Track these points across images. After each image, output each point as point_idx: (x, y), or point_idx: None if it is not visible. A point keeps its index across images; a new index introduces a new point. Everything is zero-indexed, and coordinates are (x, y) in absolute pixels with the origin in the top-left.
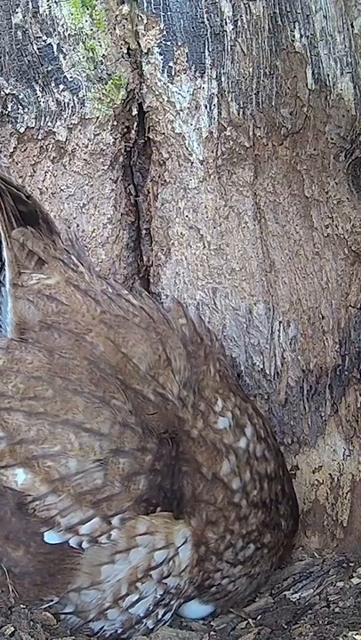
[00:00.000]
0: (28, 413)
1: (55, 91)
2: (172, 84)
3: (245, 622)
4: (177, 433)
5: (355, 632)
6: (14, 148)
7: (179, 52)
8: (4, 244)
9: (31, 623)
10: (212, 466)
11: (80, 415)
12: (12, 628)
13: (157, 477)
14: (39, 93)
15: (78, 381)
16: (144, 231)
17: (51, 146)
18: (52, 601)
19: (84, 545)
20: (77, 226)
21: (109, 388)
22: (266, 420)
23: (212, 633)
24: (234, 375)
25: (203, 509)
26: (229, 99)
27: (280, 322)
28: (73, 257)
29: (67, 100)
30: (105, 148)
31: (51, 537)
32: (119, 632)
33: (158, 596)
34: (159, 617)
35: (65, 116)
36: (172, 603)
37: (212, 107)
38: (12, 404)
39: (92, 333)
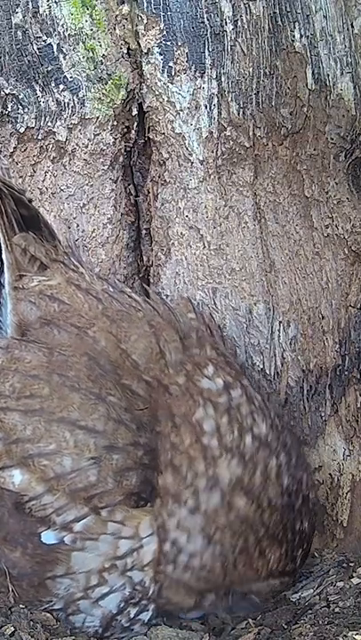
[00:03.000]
0: (24, 412)
1: (55, 91)
2: (172, 83)
3: (245, 622)
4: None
5: (355, 632)
6: (14, 148)
7: (179, 51)
8: (3, 246)
9: (31, 623)
10: (186, 412)
11: (76, 412)
12: (12, 628)
13: (147, 471)
14: (39, 93)
15: (76, 378)
16: (144, 231)
17: (51, 146)
18: (50, 602)
19: (78, 544)
20: (77, 226)
21: (106, 385)
22: (272, 404)
23: (211, 633)
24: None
25: (168, 454)
26: (229, 99)
27: (280, 322)
28: (73, 259)
29: (67, 100)
30: (105, 147)
31: (48, 537)
32: (100, 631)
33: (127, 593)
34: (132, 616)
35: (65, 116)
36: (142, 602)
37: (212, 107)
38: (8, 403)
39: (94, 328)
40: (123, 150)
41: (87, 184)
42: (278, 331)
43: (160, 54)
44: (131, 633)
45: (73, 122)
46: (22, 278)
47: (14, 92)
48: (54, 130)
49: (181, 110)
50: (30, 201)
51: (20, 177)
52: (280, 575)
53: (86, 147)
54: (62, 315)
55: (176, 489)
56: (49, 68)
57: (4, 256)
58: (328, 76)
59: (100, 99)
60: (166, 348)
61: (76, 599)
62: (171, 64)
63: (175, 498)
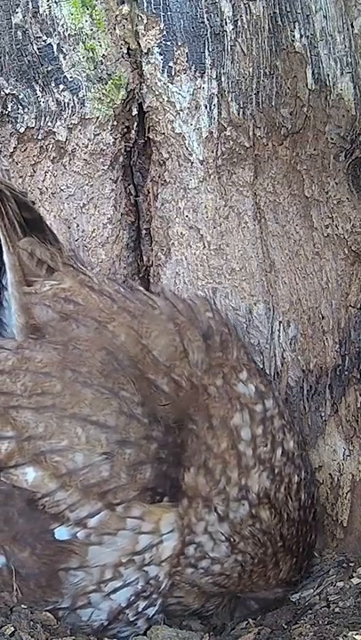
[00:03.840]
0: (35, 409)
1: (55, 91)
2: (172, 83)
3: (245, 622)
4: (184, 421)
5: (355, 632)
6: (14, 148)
7: (179, 52)
8: (4, 248)
9: (31, 623)
10: (224, 416)
11: (87, 408)
12: (12, 628)
13: (163, 466)
14: (39, 93)
15: (88, 374)
16: (144, 231)
17: (51, 146)
18: (56, 602)
19: (93, 538)
20: (77, 226)
21: (119, 380)
22: (293, 417)
23: (211, 633)
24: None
25: (202, 456)
26: (229, 99)
27: (280, 322)
28: (77, 262)
29: (67, 100)
30: (105, 147)
31: (61, 533)
32: (105, 624)
33: (140, 587)
34: (140, 610)
35: (65, 116)
36: (153, 596)
37: (212, 107)
38: (20, 401)
39: (114, 322)
40: (123, 150)
41: (87, 184)
42: (278, 331)
43: (160, 54)
44: (133, 628)
45: (73, 122)
46: (34, 284)
47: (14, 91)
48: (54, 130)
49: (181, 110)
50: (33, 203)
51: (20, 177)
52: (286, 585)
53: (86, 147)
54: (81, 311)
55: (208, 493)
56: (49, 68)
57: (5, 257)
58: (328, 75)
59: (100, 99)
60: (190, 347)
61: (88, 592)
62: (171, 64)
63: (206, 502)
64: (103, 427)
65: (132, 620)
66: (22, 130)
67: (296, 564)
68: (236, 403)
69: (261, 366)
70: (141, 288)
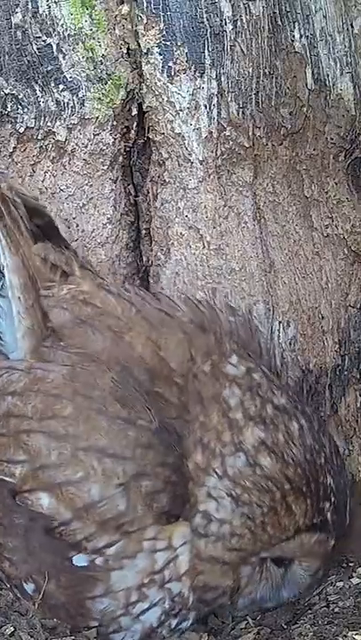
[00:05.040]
0: (47, 434)
1: (55, 91)
2: (171, 84)
3: (245, 622)
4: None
5: (354, 632)
6: (14, 147)
7: (178, 52)
8: (5, 249)
9: (31, 623)
10: (214, 393)
11: (103, 440)
12: (12, 628)
13: (176, 489)
14: (39, 93)
15: (101, 399)
16: (144, 231)
17: (50, 146)
18: (94, 626)
19: (111, 563)
20: (77, 226)
21: (136, 407)
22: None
23: (211, 633)
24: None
25: (197, 435)
26: (229, 99)
27: (280, 322)
28: (91, 267)
29: (66, 100)
30: (104, 147)
31: (79, 559)
32: None
33: (167, 606)
34: (172, 626)
35: (64, 116)
36: (182, 612)
37: (212, 107)
38: (31, 425)
39: (131, 332)
40: (122, 150)
41: (87, 184)
42: (278, 331)
43: (160, 54)
44: None
45: (72, 122)
46: (50, 288)
47: (14, 91)
48: (54, 130)
49: (181, 110)
50: (45, 207)
51: (20, 177)
52: (309, 530)
53: (86, 147)
54: (98, 317)
55: (206, 463)
56: (48, 68)
57: (7, 260)
58: (328, 76)
59: (99, 99)
60: (197, 355)
61: (117, 617)
62: (170, 64)
63: (205, 471)
64: (120, 458)
65: (166, 636)
66: (22, 130)
67: (313, 505)
68: (224, 381)
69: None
70: (162, 293)
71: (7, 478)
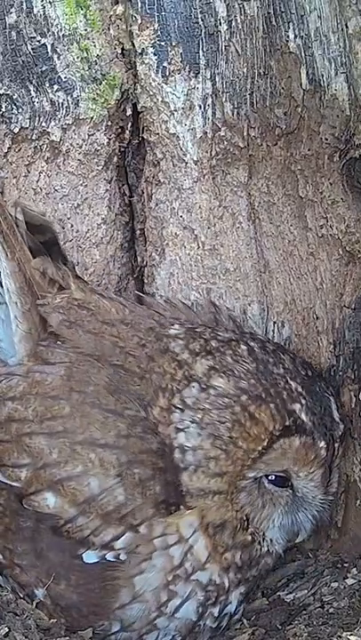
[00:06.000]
0: (48, 435)
1: (49, 91)
2: (166, 84)
3: (240, 623)
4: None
5: (349, 633)
6: (8, 148)
7: (173, 52)
8: (1, 254)
9: (25, 623)
10: (160, 348)
11: (97, 432)
12: (6, 629)
13: (164, 475)
14: (33, 94)
15: (95, 393)
16: (138, 231)
17: (45, 146)
18: (103, 625)
19: (122, 557)
20: (71, 226)
21: (121, 399)
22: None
23: None
24: None
25: (154, 384)
26: (224, 99)
27: (274, 322)
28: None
29: (61, 101)
30: (99, 148)
31: (89, 556)
32: (179, 639)
33: (201, 598)
34: (216, 614)
35: (59, 117)
36: (221, 598)
37: (207, 107)
38: (32, 428)
39: (122, 327)
40: (117, 150)
41: (81, 184)
42: (273, 331)
43: (154, 54)
44: (218, 629)
45: (67, 122)
46: (45, 297)
47: (8, 92)
48: (48, 130)
49: (176, 110)
50: (51, 224)
51: (15, 177)
52: (284, 434)
53: (80, 147)
54: (91, 317)
55: (167, 403)
56: (43, 69)
57: (3, 265)
58: (322, 76)
59: (94, 99)
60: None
61: (153, 619)
62: (165, 64)
63: (168, 410)
64: (112, 447)
65: (214, 626)
66: (16, 130)
67: (278, 409)
68: (168, 340)
69: None
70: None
71: (14, 483)
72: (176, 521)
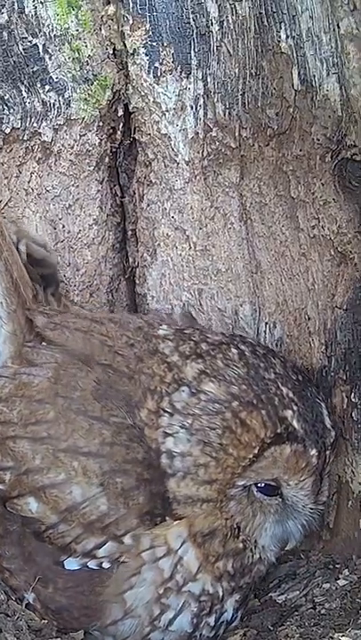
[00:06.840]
0: (32, 440)
1: (41, 91)
2: (157, 84)
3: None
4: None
5: (341, 634)
6: None
7: (164, 52)
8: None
9: (17, 624)
10: (149, 349)
11: (81, 439)
12: None
13: (150, 485)
14: (25, 94)
15: (82, 399)
16: (130, 232)
17: (36, 147)
18: (95, 624)
19: (105, 565)
20: (63, 227)
21: (107, 405)
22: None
23: None
24: None
25: (142, 386)
26: (215, 99)
27: (266, 323)
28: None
29: (52, 101)
30: (91, 148)
31: (70, 564)
32: None
33: (195, 609)
34: (212, 624)
35: (51, 117)
36: (216, 607)
37: (198, 107)
38: (16, 431)
39: (110, 326)
40: (108, 151)
41: (73, 185)
42: (264, 332)
43: (146, 55)
44: (218, 638)
45: (59, 122)
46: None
47: None
48: (40, 131)
49: (167, 111)
50: (52, 258)
51: (6, 178)
52: (275, 442)
53: (72, 147)
54: (75, 320)
55: (156, 406)
56: (34, 69)
57: None
58: (314, 76)
59: (85, 99)
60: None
61: (147, 634)
62: (157, 65)
63: (156, 413)
64: (96, 456)
65: (210, 635)
66: (8, 130)
67: (270, 416)
68: (157, 341)
69: None
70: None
71: None
72: (164, 532)
